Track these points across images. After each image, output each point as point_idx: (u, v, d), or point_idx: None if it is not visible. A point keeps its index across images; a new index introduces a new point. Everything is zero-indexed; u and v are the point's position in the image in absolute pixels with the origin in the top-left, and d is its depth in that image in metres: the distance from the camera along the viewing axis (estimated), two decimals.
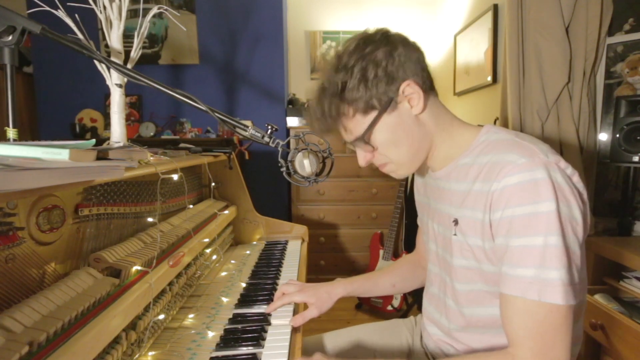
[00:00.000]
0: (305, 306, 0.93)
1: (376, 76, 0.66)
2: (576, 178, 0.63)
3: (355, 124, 0.69)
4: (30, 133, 2.86)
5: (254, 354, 0.73)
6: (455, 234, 0.72)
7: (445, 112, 0.75)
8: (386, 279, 1.02)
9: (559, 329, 0.58)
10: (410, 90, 0.67)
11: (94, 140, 0.67)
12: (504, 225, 0.62)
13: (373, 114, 0.68)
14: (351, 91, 0.66)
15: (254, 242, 1.51)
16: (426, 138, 0.72)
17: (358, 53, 0.66)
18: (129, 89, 0.96)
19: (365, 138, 0.69)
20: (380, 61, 0.66)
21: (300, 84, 3.34)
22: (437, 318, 0.83)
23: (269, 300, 0.95)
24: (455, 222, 0.72)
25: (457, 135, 0.74)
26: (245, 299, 0.99)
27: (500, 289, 0.63)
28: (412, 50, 0.69)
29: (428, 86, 0.71)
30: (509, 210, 0.61)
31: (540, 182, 0.59)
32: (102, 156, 0.63)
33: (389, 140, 0.70)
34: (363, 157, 0.74)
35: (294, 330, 0.84)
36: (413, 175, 0.94)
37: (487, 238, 0.65)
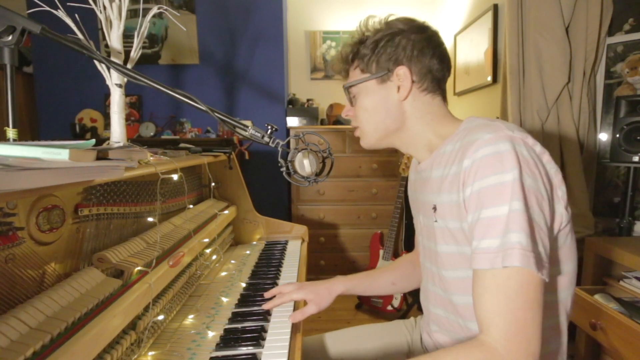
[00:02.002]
0: (305, 303, 0.93)
1: (385, 47, 0.75)
2: (546, 157, 0.65)
3: (353, 74, 0.80)
4: (30, 133, 2.86)
5: (254, 354, 0.73)
6: (436, 221, 0.73)
7: (436, 111, 0.78)
8: (386, 277, 1.02)
9: (530, 305, 0.55)
10: (402, 76, 0.75)
11: (93, 140, 0.67)
12: (472, 199, 0.62)
13: (365, 75, 0.78)
14: (364, 47, 0.76)
15: (254, 242, 1.51)
16: (396, 121, 0.78)
17: (388, 25, 0.77)
18: (129, 89, 0.96)
19: (349, 89, 0.80)
20: (396, 40, 0.75)
21: (300, 84, 3.34)
22: (435, 312, 0.82)
23: (269, 300, 0.95)
24: (434, 208, 0.73)
25: (441, 127, 0.78)
26: (245, 299, 0.99)
27: (472, 267, 0.61)
28: (431, 54, 0.75)
29: (425, 86, 0.77)
30: (477, 184, 0.62)
31: (504, 154, 0.60)
32: (102, 156, 0.63)
33: (366, 105, 0.79)
34: (347, 110, 0.84)
35: (294, 330, 0.84)
36: None
37: (463, 218, 0.65)
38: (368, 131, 0.80)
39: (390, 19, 0.78)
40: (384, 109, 0.78)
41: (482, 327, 0.58)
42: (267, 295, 0.96)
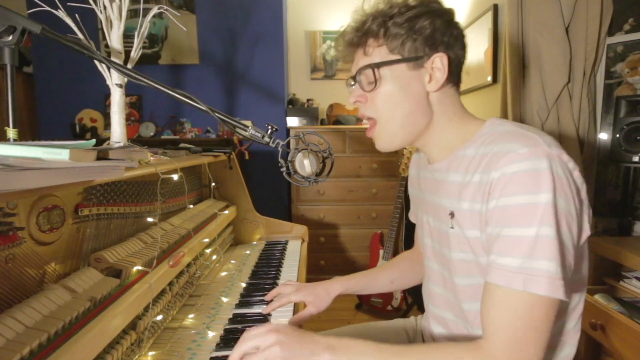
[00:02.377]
0: (305, 305, 0.93)
1: (423, 29, 0.65)
2: (577, 173, 0.61)
3: (378, 52, 0.68)
4: (30, 133, 2.86)
5: None
6: (452, 227, 0.69)
7: (458, 106, 0.73)
8: (384, 276, 1.01)
9: (537, 326, 0.56)
10: (439, 64, 0.67)
11: (94, 140, 0.67)
12: (497, 213, 0.59)
13: (396, 56, 0.67)
14: (395, 24, 0.65)
15: (254, 242, 1.51)
16: (425, 116, 0.70)
17: (423, 2, 0.67)
18: (129, 89, 0.96)
19: (375, 69, 0.67)
20: (436, 22, 0.66)
21: (300, 84, 3.34)
22: (440, 314, 0.81)
23: (269, 300, 0.95)
24: (452, 214, 0.69)
25: (461, 126, 0.72)
26: (245, 299, 0.99)
27: (485, 278, 0.61)
28: (461, 45, 0.70)
29: (454, 79, 0.71)
30: (504, 199, 0.58)
31: (540, 173, 0.56)
32: (102, 156, 0.63)
33: (392, 93, 0.68)
34: (356, 95, 0.72)
35: None
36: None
37: (483, 229, 0.63)
38: (393, 128, 0.70)
39: None
40: (413, 99, 0.68)
41: (486, 334, 0.59)
42: (267, 298, 0.96)
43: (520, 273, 0.56)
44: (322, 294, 0.92)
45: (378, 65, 0.67)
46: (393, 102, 0.68)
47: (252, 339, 0.62)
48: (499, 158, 0.60)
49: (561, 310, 0.66)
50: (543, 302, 0.55)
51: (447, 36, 0.66)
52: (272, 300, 0.94)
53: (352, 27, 0.70)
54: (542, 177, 0.56)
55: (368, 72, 0.68)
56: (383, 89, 0.68)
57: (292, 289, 0.94)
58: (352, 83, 0.73)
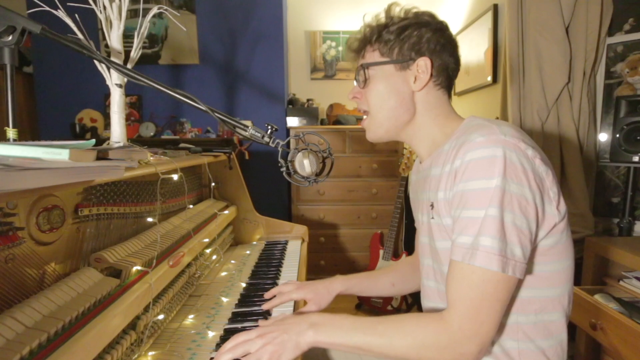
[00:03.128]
0: (305, 303, 0.93)
1: (410, 36, 0.76)
2: (538, 161, 0.65)
3: (371, 55, 0.79)
4: (30, 133, 2.86)
5: None
6: (432, 217, 0.76)
7: (444, 107, 0.80)
8: (386, 278, 1.03)
9: (489, 297, 0.61)
10: (423, 67, 0.76)
11: (94, 140, 0.67)
12: (457, 197, 0.66)
13: (385, 59, 0.78)
14: (387, 32, 0.77)
15: (254, 242, 1.51)
16: (408, 112, 0.79)
17: (415, 16, 0.78)
18: (129, 89, 0.96)
19: (366, 69, 0.79)
20: (422, 31, 0.76)
21: (300, 84, 3.34)
22: (434, 307, 0.83)
23: (269, 300, 0.95)
24: (432, 205, 0.75)
25: (444, 126, 0.79)
26: (245, 299, 0.99)
27: (450, 256, 0.67)
28: (450, 52, 0.78)
29: (440, 81, 0.79)
30: (461, 185, 0.65)
31: (493, 159, 0.62)
32: (102, 156, 0.63)
33: (382, 89, 0.78)
34: (353, 92, 0.83)
35: None
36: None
37: (451, 214, 0.70)
38: (379, 119, 0.80)
39: (414, 10, 0.79)
40: (397, 96, 0.78)
41: (447, 306, 0.65)
42: (267, 295, 0.96)
43: (470, 249, 0.63)
44: (323, 292, 0.93)
45: (368, 65, 0.79)
46: (381, 97, 0.79)
47: (241, 346, 0.66)
48: (460, 147, 0.67)
49: (543, 300, 0.69)
50: (492, 277, 0.61)
51: (432, 43, 0.76)
52: (272, 299, 0.94)
53: (355, 37, 0.83)
54: (495, 163, 0.62)
55: (361, 71, 0.80)
56: (373, 86, 0.79)
57: (292, 288, 0.94)
58: (355, 83, 0.84)
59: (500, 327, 0.68)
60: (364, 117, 0.83)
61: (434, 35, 0.76)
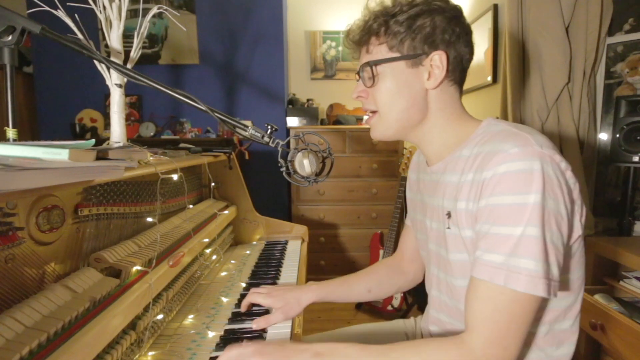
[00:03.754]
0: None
1: (422, 27, 0.67)
2: (569, 173, 0.62)
3: (378, 50, 0.71)
4: (30, 133, 2.86)
5: None
6: (448, 227, 0.70)
7: (457, 106, 0.74)
8: (362, 284, 0.98)
9: (516, 320, 0.57)
10: (437, 62, 0.68)
11: (93, 140, 0.67)
12: (486, 211, 0.61)
13: (395, 54, 0.69)
14: (396, 23, 0.67)
15: (254, 242, 1.51)
16: (420, 112, 0.72)
17: (426, 1, 0.68)
18: (129, 89, 0.96)
19: (373, 66, 0.70)
20: (435, 20, 0.67)
21: (300, 84, 3.34)
22: (437, 316, 0.81)
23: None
24: (449, 215, 0.70)
25: (458, 126, 0.73)
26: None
27: (471, 274, 0.62)
28: (465, 42, 0.70)
29: (454, 77, 0.71)
30: (494, 198, 0.59)
31: (531, 173, 0.57)
32: (102, 156, 0.63)
33: (392, 88, 0.70)
34: (358, 90, 0.75)
35: (294, 329, 0.83)
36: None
37: (475, 227, 0.65)
38: (389, 120, 0.72)
39: None
40: (409, 95, 0.70)
41: (468, 327, 0.61)
42: (242, 307, 0.91)
43: (502, 269, 0.57)
44: (292, 302, 0.88)
45: (376, 62, 0.70)
46: (391, 97, 0.71)
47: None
48: (490, 157, 0.61)
49: (556, 310, 0.67)
50: (522, 298, 0.57)
51: (447, 34, 0.67)
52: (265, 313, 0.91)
53: (357, 25, 0.73)
54: (533, 178, 0.57)
55: (367, 69, 0.71)
56: (382, 85, 0.71)
57: (263, 292, 0.91)
58: (358, 79, 0.76)
59: None
60: (368, 114, 0.77)
61: (449, 24, 0.67)
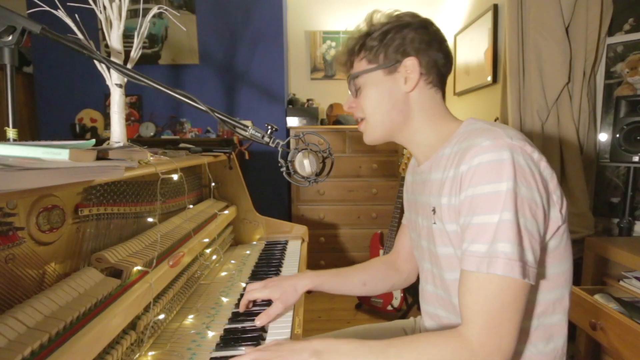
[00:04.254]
0: (304, 304, 0.92)
1: (393, 39, 0.75)
2: (543, 164, 0.65)
3: (359, 65, 0.79)
4: (30, 133, 2.86)
5: None
6: (434, 223, 0.74)
7: (439, 108, 0.79)
8: (357, 277, 0.99)
9: (508, 307, 0.59)
10: (411, 67, 0.75)
11: (94, 140, 0.67)
12: (466, 203, 0.64)
13: (372, 65, 0.77)
14: (371, 39, 0.76)
15: (254, 242, 1.51)
16: (402, 114, 0.78)
17: (396, 18, 0.77)
18: (129, 89, 0.96)
19: (355, 79, 0.79)
20: (403, 32, 0.75)
21: (300, 84, 3.34)
22: (433, 311, 0.83)
23: (269, 301, 0.95)
24: (434, 210, 0.74)
25: (441, 127, 0.78)
26: None
27: (461, 266, 0.64)
28: (437, 48, 0.77)
29: (431, 79, 0.77)
30: (471, 190, 0.63)
31: (502, 163, 0.61)
32: (102, 156, 0.63)
33: (372, 96, 0.78)
34: (348, 103, 0.83)
35: (294, 329, 0.83)
36: None
37: (458, 221, 0.67)
38: (374, 123, 0.79)
39: (395, 13, 0.78)
40: (390, 100, 0.77)
41: (463, 321, 0.62)
42: (240, 309, 0.91)
43: (486, 257, 0.60)
44: (289, 290, 0.89)
45: (357, 74, 0.79)
46: (374, 103, 0.78)
47: None
48: (466, 152, 0.66)
49: (544, 303, 0.68)
50: (509, 283, 0.59)
51: (416, 42, 0.75)
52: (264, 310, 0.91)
53: (341, 51, 0.83)
54: (504, 167, 0.61)
55: (352, 82, 0.80)
56: (365, 93, 0.79)
57: (258, 286, 0.91)
58: (350, 94, 0.84)
59: None
60: (359, 122, 0.83)
61: (417, 34, 0.75)
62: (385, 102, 0.77)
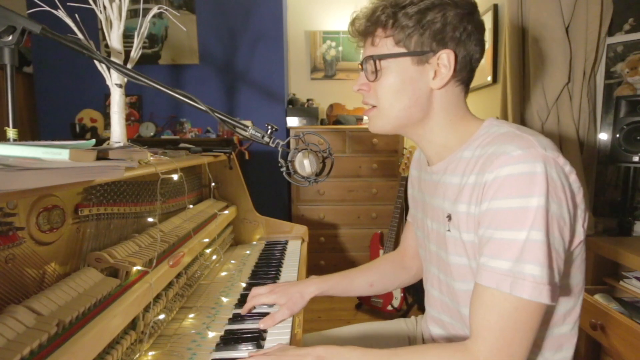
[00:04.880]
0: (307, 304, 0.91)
1: (433, 22, 0.63)
2: (573, 177, 0.60)
3: (383, 43, 0.67)
4: (30, 133, 2.86)
5: None
6: (449, 230, 0.69)
7: (461, 107, 0.72)
8: (364, 278, 0.97)
9: (522, 327, 0.56)
10: (445, 61, 0.65)
11: (94, 140, 0.67)
12: (489, 215, 0.59)
13: (401, 49, 0.66)
14: (405, 15, 0.64)
15: (254, 242, 1.51)
16: (422, 112, 0.69)
17: None
18: (129, 89, 0.96)
19: (377, 61, 0.67)
20: (447, 16, 0.63)
21: (300, 84, 3.34)
22: (438, 317, 0.81)
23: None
24: (449, 217, 0.69)
25: (460, 127, 0.71)
26: (245, 299, 0.98)
27: (475, 280, 0.61)
28: (476, 41, 0.67)
29: (462, 77, 0.69)
30: (496, 202, 0.58)
31: (534, 176, 0.56)
32: (102, 156, 0.63)
33: (394, 84, 0.67)
34: (360, 83, 0.72)
35: (294, 330, 0.83)
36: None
37: (477, 231, 0.63)
38: (388, 115, 0.70)
39: None
40: (413, 94, 0.67)
41: (472, 335, 0.60)
42: (244, 310, 0.91)
43: (509, 276, 0.56)
44: (296, 296, 0.88)
45: (380, 57, 0.67)
46: (393, 94, 0.68)
47: None
48: (492, 160, 0.60)
49: (555, 314, 0.66)
50: (528, 305, 0.56)
51: (459, 31, 0.64)
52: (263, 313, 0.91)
53: (363, 13, 0.69)
54: (536, 181, 0.56)
55: (371, 62, 0.68)
56: (385, 80, 0.68)
57: (264, 291, 0.90)
58: (360, 69, 0.73)
59: None
60: (368, 107, 0.74)
61: (461, 21, 0.64)
62: (406, 96, 0.67)
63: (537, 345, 0.67)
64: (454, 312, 0.75)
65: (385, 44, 0.67)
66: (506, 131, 0.64)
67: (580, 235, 0.62)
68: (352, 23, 0.72)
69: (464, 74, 0.68)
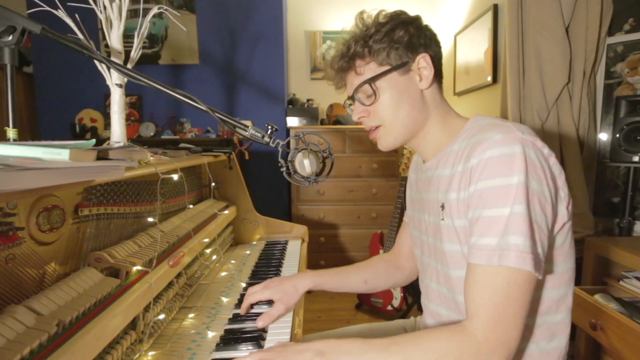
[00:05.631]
0: (305, 304, 0.92)
1: (401, 37, 0.73)
2: (553, 160, 0.65)
3: (368, 69, 0.75)
4: (30, 133, 2.86)
5: None
6: (442, 219, 0.73)
7: (444, 102, 0.79)
8: (358, 275, 0.99)
9: (514, 302, 0.58)
10: (424, 63, 0.74)
11: (94, 140, 0.67)
12: (475, 197, 0.64)
13: (385, 67, 0.74)
14: (376, 41, 0.73)
15: (254, 242, 1.51)
16: (423, 113, 0.77)
17: (393, 17, 0.75)
18: (129, 89, 0.96)
19: (372, 83, 0.74)
20: (409, 29, 0.74)
21: (300, 84, 3.34)
22: (435, 310, 0.82)
23: (270, 301, 0.94)
24: (442, 206, 0.73)
25: (449, 123, 0.78)
26: None
27: (467, 261, 0.64)
28: (436, 43, 0.77)
29: (439, 75, 0.77)
30: (481, 183, 0.63)
31: (513, 157, 0.61)
32: (102, 156, 0.63)
33: (392, 98, 0.74)
34: (359, 111, 0.78)
35: (294, 330, 0.83)
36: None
37: (467, 215, 0.67)
38: (396, 127, 0.76)
39: (388, 12, 0.76)
40: (410, 100, 0.75)
41: (468, 315, 0.62)
42: (242, 310, 0.91)
43: (496, 250, 0.60)
44: (291, 290, 0.89)
45: (374, 79, 0.74)
46: (394, 106, 0.75)
47: None
48: (476, 146, 0.65)
49: (547, 300, 0.68)
50: (518, 277, 0.58)
51: (422, 38, 0.74)
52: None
53: (338, 55, 0.78)
54: (515, 160, 0.61)
55: (366, 87, 0.75)
56: (383, 98, 0.75)
57: (259, 288, 0.91)
58: (350, 103, 0.80)
59: None
60: (372, 131, 0.79)
61: (419, 30, 0.74)
62: (405, 103, 0.75)
63: (531, 333, 0.68)
64: (450, 302, 0.77)
65: (369, 69, 0.75)
66: (489, 122, 0.70)
67: (563, 216, 0.66)
68: (331, 66, 0.80)
69: (439, 72, 0.77)
